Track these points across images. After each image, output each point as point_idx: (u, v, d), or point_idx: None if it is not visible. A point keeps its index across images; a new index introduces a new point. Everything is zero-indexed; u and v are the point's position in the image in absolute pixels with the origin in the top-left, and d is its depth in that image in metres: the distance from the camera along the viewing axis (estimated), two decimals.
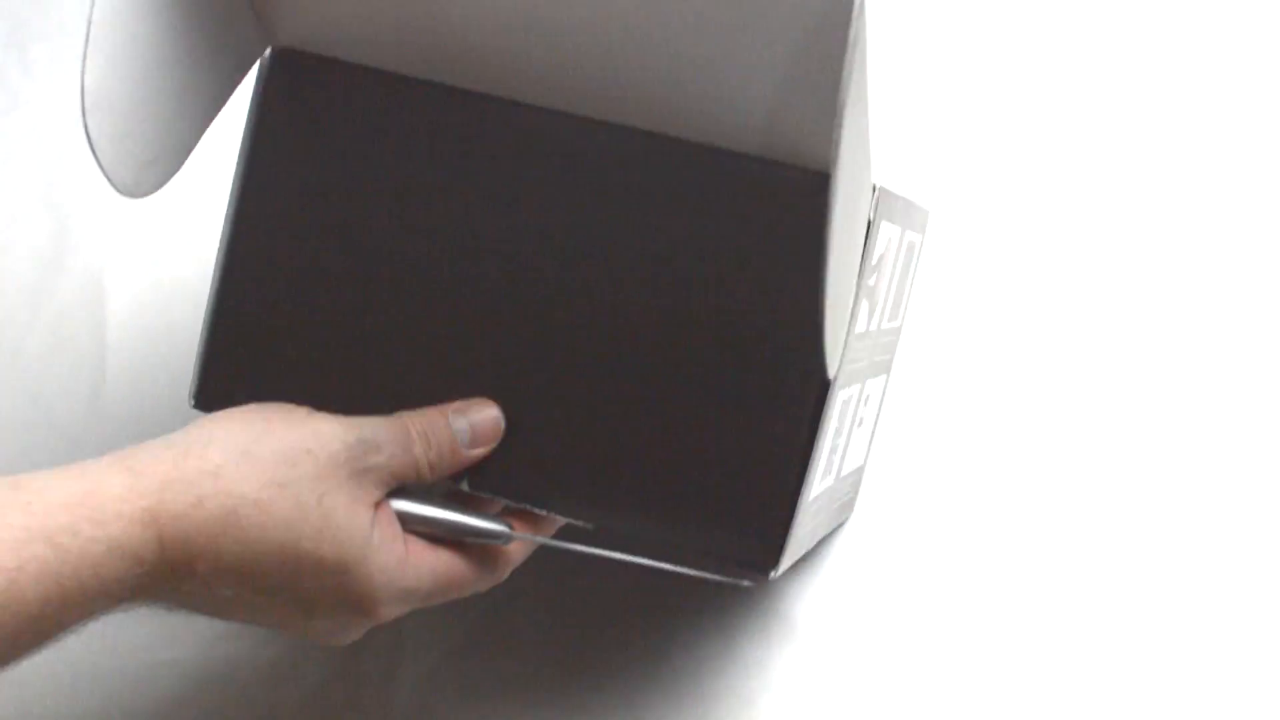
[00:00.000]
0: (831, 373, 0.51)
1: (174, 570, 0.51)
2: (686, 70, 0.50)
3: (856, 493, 0.70)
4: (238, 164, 0.58)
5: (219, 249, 0.58)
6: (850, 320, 0.54)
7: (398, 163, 0.55)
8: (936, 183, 0.79)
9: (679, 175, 0.54)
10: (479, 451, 0.55)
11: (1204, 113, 0.80)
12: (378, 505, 0.53)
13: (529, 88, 0.53)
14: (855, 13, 0.43)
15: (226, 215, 0.58)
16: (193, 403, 0.59)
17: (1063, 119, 0.80)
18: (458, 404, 0.55)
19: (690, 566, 0.54)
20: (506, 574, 0.56)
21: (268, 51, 0.57)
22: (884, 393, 0.70)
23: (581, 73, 0.52)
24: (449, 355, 0.56)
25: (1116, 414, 0.75)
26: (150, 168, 0.53)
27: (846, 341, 0.53)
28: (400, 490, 0.54)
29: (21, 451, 0.75)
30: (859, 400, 0.61)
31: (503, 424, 0.55)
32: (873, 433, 0.69)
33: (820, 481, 0.57)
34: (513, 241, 0.55)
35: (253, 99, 0.57)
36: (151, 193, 0.54)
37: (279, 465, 0.51)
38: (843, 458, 0.61)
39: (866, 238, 0.54)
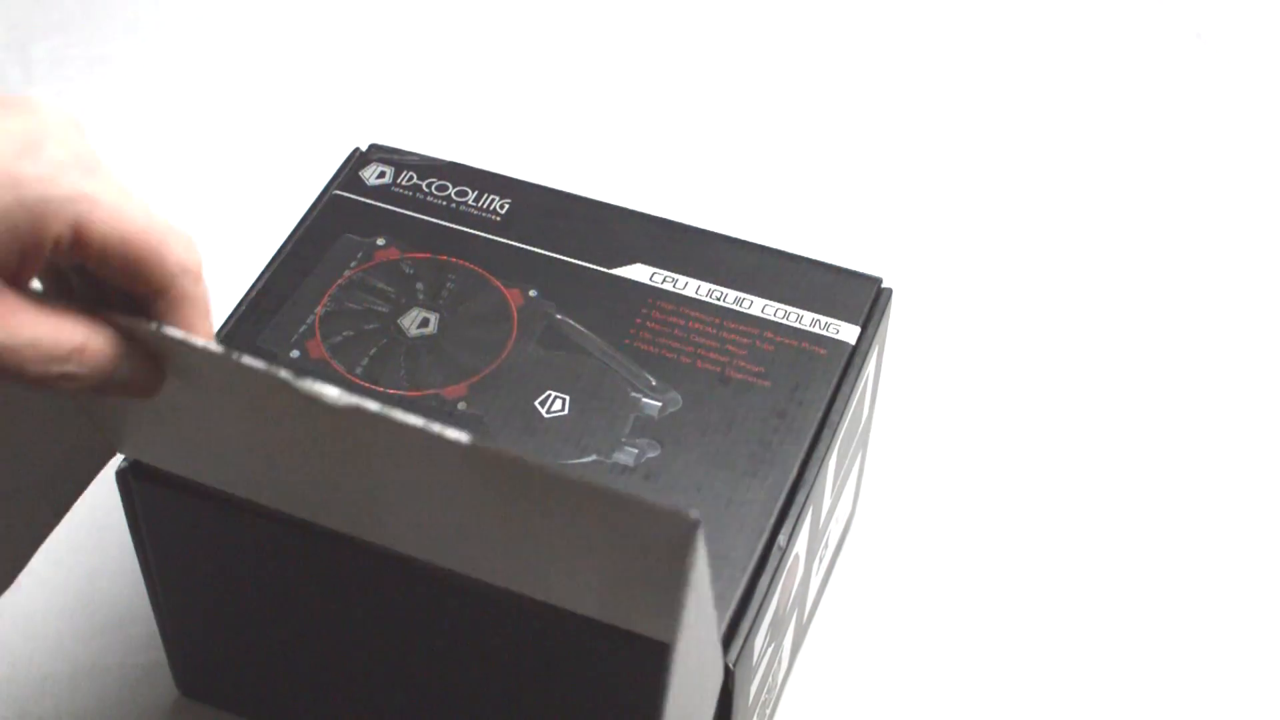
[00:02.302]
0: None
1: None
2: (518, 551, 0.48)
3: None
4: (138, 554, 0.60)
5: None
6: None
7: (261, 578, 0.58)
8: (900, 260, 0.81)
9: (514, 630, 0.53)
10: None
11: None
12: None
13: (362, 528, 0.51)
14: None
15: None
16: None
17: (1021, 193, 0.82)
18: None
19: None
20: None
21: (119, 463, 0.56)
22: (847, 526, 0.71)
23: (408, 525, 0.50)
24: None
25: (1102, 429, 0.78)
26: None
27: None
28: None
29: None
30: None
31: None
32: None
33: None
34: (377, 650, 0.58)
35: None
36: None
37: None
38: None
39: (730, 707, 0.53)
